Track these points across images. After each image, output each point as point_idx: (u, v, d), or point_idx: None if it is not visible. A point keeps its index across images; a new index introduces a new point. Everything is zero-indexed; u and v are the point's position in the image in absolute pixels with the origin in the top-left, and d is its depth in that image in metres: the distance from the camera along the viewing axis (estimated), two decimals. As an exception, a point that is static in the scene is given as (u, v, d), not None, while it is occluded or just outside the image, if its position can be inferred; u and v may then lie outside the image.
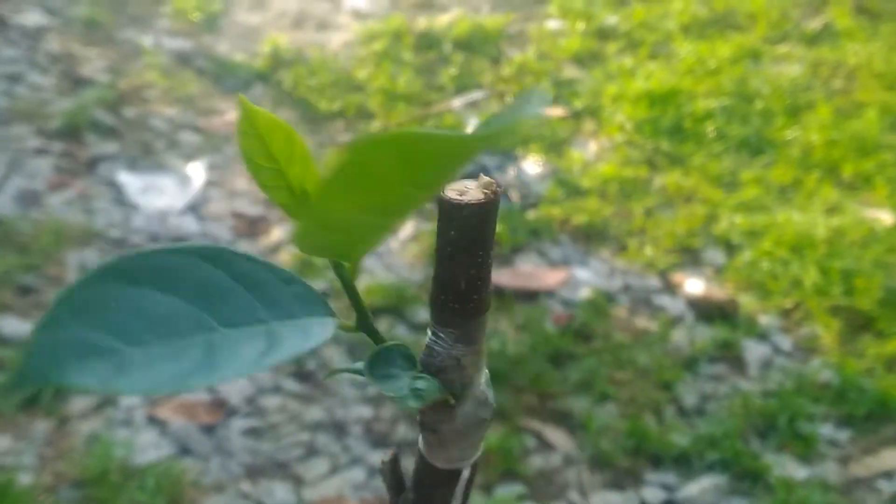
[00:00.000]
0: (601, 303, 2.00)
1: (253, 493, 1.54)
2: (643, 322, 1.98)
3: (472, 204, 0.32)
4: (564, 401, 1.77)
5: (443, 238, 0.33)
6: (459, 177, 0.32)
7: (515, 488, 1.60)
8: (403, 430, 1.69)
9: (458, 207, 0.32)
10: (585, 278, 2.09)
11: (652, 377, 1.83)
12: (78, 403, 1.64)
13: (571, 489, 1.61)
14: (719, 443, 1.69)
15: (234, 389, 1.72)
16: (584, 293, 2.03)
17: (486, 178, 0.33)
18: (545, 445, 1.69)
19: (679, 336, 1.94)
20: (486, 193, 0.33)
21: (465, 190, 0.33)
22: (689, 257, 2.17)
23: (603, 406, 1.76)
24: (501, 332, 1.89)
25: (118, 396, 1.67)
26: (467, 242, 0.33)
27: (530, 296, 2.01)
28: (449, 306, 0.35)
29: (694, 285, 2.07)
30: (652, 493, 1.61)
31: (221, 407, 1.68)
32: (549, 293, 2.03)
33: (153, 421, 1.63)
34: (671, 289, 2.08)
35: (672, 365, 1.86)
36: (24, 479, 1.47)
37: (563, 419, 1.74)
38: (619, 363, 1.86)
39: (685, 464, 1.66)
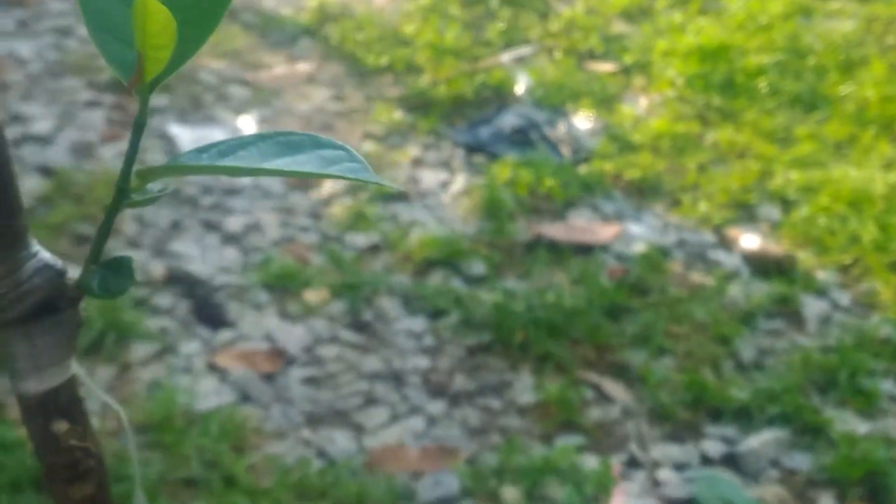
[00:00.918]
0: (656, 257, 1.99)
1: (314, 441, 1.54)
2: (698, 277, 1.97)
3: None
4: (622, 354, 1.76)
5: None
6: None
7: (575, 439, 1.59)
8: (461, 381, 1.68)
9: None
10: (639, 233, 2.07)
11: (709, 331, 1.82)
12: (139, 350, 1.64)
13: (631, 441, 1.61)
14: (779, 397, 1.67)
15: (292, 339, 1.72)
16: (639, 248, 2.02)
17: None
18: (603, 398, 1.68)
19: (735, 291, 1.93)
20: None
21: None
22: (744, 213, 2.15)
23: (660, 359, 1.75)
24: (557, 285, 1.88)
25: (179, 342, 1.67)
26: None
27: (585, 250, 2.00)
28: None
29: (749, 241, 2.05)
30: (712, 445, 1.61)
31: (280, 356, 1.68)
32: (604, 247, 2.01)
33: (213, 369, 1.64)
34: (726, 244, 2.06)
35: (729, 320, 1.85)
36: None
37: (621, 372, 1.73)
38: (675, 317, 1.84)
39: (745, 417, 1.65)
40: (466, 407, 1.64)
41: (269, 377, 1.64)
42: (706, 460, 1.59)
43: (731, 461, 1.59)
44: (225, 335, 1.71)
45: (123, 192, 0.31)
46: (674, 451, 1.60)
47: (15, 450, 1.41)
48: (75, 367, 0.32)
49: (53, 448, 0.32)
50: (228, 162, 0.32)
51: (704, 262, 2.01)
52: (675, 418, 1.65)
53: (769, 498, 1.53)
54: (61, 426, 0.32)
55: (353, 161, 0.34)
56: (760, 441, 1.61)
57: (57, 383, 0.31)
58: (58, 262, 0.31)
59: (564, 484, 1.50)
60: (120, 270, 0.33)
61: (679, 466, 1.58)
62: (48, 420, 0.32)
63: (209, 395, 1.58)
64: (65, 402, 0.32)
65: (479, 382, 1.68)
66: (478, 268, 1.92)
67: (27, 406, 0.31)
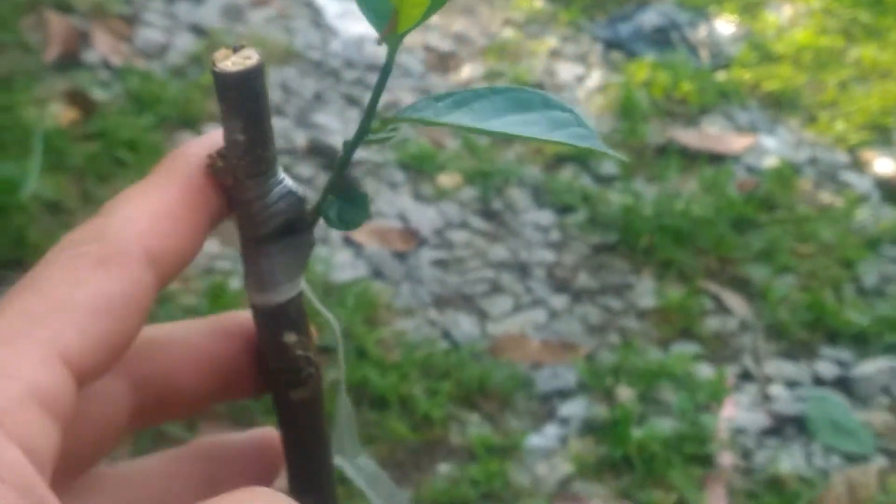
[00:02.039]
0: (787, 173, 1.99)
1: (440, 321, 1.61)
2: (828, 197, 1.96)
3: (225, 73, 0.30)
4: (744, 267, 1.78)
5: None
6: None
7: (691, 347, 1.63)
8: (584, 278, 1.73)
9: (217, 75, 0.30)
10: (772, 147, 2.06)
11: (833, 253, 1.83)
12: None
13: (745, 354, 1.64)
14: (898, 326, 1.69)
15: (425, 220, 1.77)
16: (770, 162, 2.02)
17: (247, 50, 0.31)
18: (723, 309, 1.71)
19: (863, 215, 1.92)
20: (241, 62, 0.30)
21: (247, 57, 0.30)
22: (881, 136, 2.12)
23: (782, 277, 1.77)
24: (686, 192, 1.90)
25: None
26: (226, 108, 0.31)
27: (716, 159, 2.00)
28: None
29: (884, 165, 2.03)
30: (826, 367, 1.63)
31: (412, 236, 1.74)
32: (735, 158, 2.02)
33: (349, 243, 1.70)
34: (859, 166, 2.05)
35: (855, 243, 1.85)
36: (234, 284, 1.56)
37: (742, 285, 1.75)
38: (801, 236, 1.85)
39: (862, 342, 1.67)
40: (588, 304, 1.69)
41: (400, 256, 1.70)
42: (818, 381, 1.62)
43: (843, 384, 1.62)
44: (361, 210, 1.77)
45: (365, 131, 0.34)
46: (787, 368, 1.63)
47: (166, 303, 1.50)
48: (303, 284, 0.35)
49: (282, 356, 0.35)
50: (463, 113, 0.33)
51: (835, 183, 2.00)
52: (792, 336, 1.68)
53: (877, 424, 1.55)
54: (290, 337, 0.35)
55: (581, 126, 0.34)
56: (874, 367, 1.63)
57: (288, 297, 0.34)
58: (299, 189, 0.34)
59: (678, 390, 1.54)
60: (356, 203, 0.35)
61: (791, 384, 1.61)
62: (279, 331, 0.34)
63: (345, 267, 1.65)
64: (294, 314, 0.34)
65: (601, 281, 1.73)
66: (608, 167, 1.95)
67: (261, 317, 0.34)
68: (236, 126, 0.30)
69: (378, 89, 0.33)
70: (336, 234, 1.71)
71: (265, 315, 0.34)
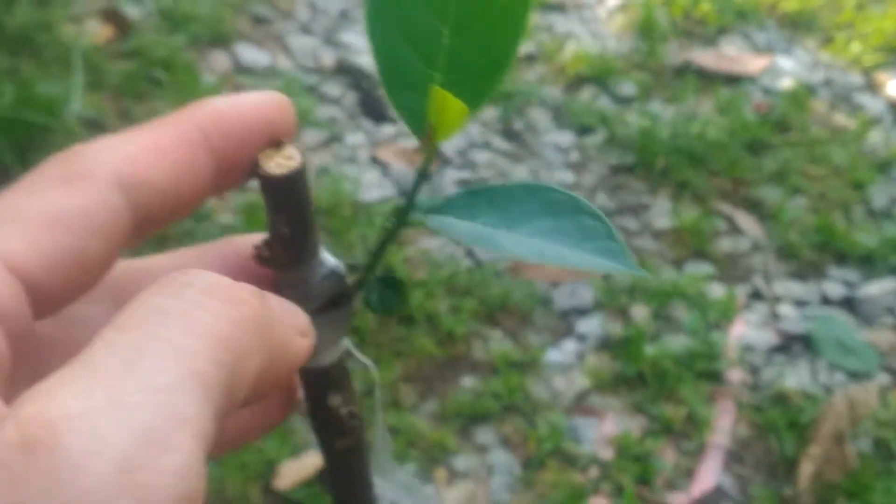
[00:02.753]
0: (801, 94, 2.03)
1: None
2: (841, 119, 2.01)
3: (273, 177, 0.31)
4: (757, 189, 1.84)
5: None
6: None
7: (704, 267, 1.70)
8: (602, 199, 1.79)
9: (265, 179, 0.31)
10: (788, 68, 2.10)
11: (844, 175, 1.88)
12: (311, 136, 1.77)
13: (756, 274, 1.71)
14: (904, 248, 1.75)
15: (448, 141, 1.82)
16: (786, 83, 2.06)
17: (291, 149, 0.32)
18: (735, 230, 1.77)
19: (876, 137, 1.97)
20: (285, 165, 0.31)
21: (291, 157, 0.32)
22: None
23: (794, 198, 1.83)
24: (702, 114, 1.95)
25: (345, 133, 1.80)
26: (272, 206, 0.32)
27: (733, 80, 2.05)
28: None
29: (897, 88, 2.08)
30: (833, 287, 1.70)
31: (436, 156, 1.80)
32: (751, 79, 2.06)
33: (375, 162, 1.76)
34: (873, 88, 2.09)
35: (866, 165, 1.90)
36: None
37: (755, 207, 1.81)
38: (813, 158, 1.91)
39: (869, 264, 1.74)
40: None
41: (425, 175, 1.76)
42: (825, 300, 1.69)
43: (849, 304, 1.69)
44: (387, 130, 1.83)
45: (402, 223, 0.35)
46: (796, 288, 1.70)
47: (204, 219, 1.57)
48: (345, 342, 0.37)
49: (327, 417, 0.37)
50: (498, 218, 0.33)
51: (849, 105, 2.05)
52: (801, 257, 1.74)
53: (881, 343, 1.63)
54: (335, 400, 0.37)
55: (612, 239, 0.33)
56: (880, 288, 1.70)
57: (332, 360, 0.36)
58: (340, 268, 0.35)
59: (690, 308, 1.62)
60: (396, 289, 0.36)
61: (799, 303, 1.68)
62: (324, 393, 0.37)
63: (372, 186, 1.71)
64: (337, 375, 0.37)
65: (618, 202, 1.79)
66: (627, 88, 1.99)
67: (306, 379, 0.37)
68: (281, 220, 0.32)
69: (414, 191, 0.35)
70: (363, 154, 1.77)
71: (311, 377, 0.37)
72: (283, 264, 0.33)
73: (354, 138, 1.79)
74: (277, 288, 0.34)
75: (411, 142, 1.82)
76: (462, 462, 1.39)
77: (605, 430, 1.45)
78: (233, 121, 0.30)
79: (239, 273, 0.34)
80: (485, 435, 1.43)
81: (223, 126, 0.30)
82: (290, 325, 0.29)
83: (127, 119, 1.71)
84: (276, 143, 0.31)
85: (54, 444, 0.21)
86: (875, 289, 1.70)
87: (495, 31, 0.33)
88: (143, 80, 1.78)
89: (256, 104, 0.31)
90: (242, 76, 1.84)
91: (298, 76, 1.89)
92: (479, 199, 0.34)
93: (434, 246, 1.65)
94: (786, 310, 1.67)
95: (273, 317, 0.27)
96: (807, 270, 1.73)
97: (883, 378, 1.57)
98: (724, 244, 1.75)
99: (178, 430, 0.22)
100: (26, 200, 0.27)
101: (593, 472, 1.40)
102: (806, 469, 1.41)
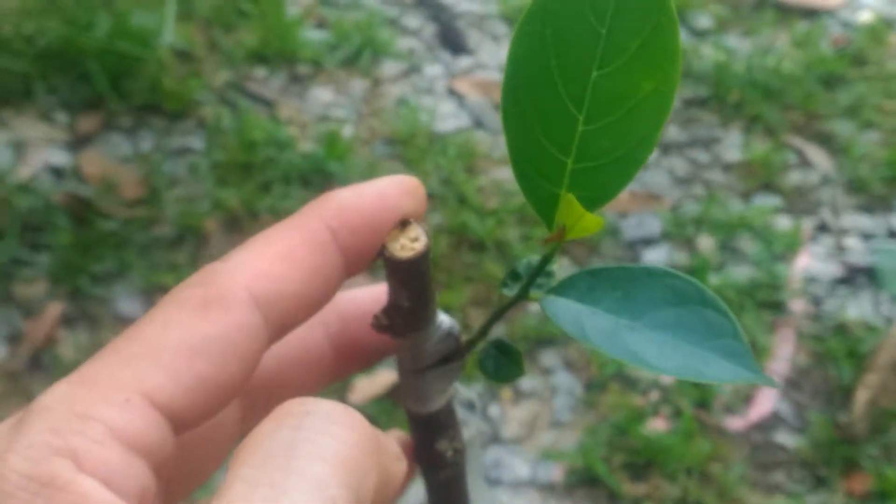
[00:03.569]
0: (880, 29, 2.03)
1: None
2: (920, 54, 2.01)
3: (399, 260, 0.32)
4: (830, 123, 1.86)
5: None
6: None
7: (772, 200, 1.73)
8: (674, 131, 1.82)
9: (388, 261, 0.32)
10: (868, 1, 2.10)
11: (919, 111, 1.89)
12: (389, 68, 1.83)
13: (824, 207, 1.74)
14: (976, 184, 1.76)
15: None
16: (865, 17, 2.06)
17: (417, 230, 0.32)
18: (805, 163, 1.80)
19: (954, 72, 1.97)
20: (412, 248, 0.32)
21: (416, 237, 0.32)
22: (980, -9, 2.14)
23: (866, 133, 1.84)
24: (778, 48, 1.96)
25: (423, 64, 1.85)
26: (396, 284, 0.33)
27: (811, 13, 2.05)
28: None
29: (980, 22, 2.06)
30: (901, 222, 1.73)
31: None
32: (829, 13, 2.06)
33: (452, 93, 1.82)
34: (955, 22, 2.08)
35: (942, 101, 1.91)
36: (347, 132, 1.70)
37: (826, 140, 1.83)
38: (888, 92, 1.91)
39: (938, 199, 1.75)
40: (676, 157, 1.79)
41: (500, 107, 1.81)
42: (892, 234, 1.71)
43: (916, 239, 1.71)
44: (464, 62, 1.88)
45: (524, 297, 0.35)
46: (863, 221, 1.72)
47: (286, 148, 1.65)
48: (453, 389, 0.38)
49: (433, 456, 0.39)
50: (619, 303, 0.32)
51: (929, 39, 2.04)
52: (871, 191, 1.76)
53: (945, 277, 1.65)
54: (443, 445, 0.38)
55: (736, 339, 0.31)
56: (948, 223, 1.72)
57: (439, 407, 0.38)
58: (455, 329, 0.36)
59: (756, 240, 1.66)
60: (512, 358, 0.37)
61: (866, 236, 1.71)
62: (432, 437, 0.38)
63: (448, 117, 1.77)
64: (444, 419, 0.38)
65: (690, 135, 1.82)
66: (704, 21, 2.01)
67: (416, 422, 0.38)
68: (403, 296, 0.33)
69: (539, 270, 0.34)
70: (440, 85, 1.83)
71: (419, 421, 0.39)
72: (400, 333, 0.34)
73: (432, 70, 1.85)
74: (393, 349, 0.36)
75: (488, 73, 1.87)
76: (527, 383, 1.47)
77: (667, 356, 1.51)
78: (360, 214, 0.31)
79: (358, 328, 0.36)
80: (549, 358, 1.49)
81: (351, 222, 0.31)
82: (391, 449, 0.30)
83: (215, 50, 1.78)
84: (402, 223, 0.32)
85: None
86: (943, 223, 1.71)
87: (633, 119, 0.32)
88: (232, 12, 1.85)
89: (382, 193, 0.31)
90: (326, 8, 1.90)
91: (380, 8, 1.95)
92: (599, 280, 0.33)
93: (506, 176, 1.71)
94: (851, 242, 1.69)
95: (381, 438, 0.28)
96: (875, 204, 1.75)
97: (945, 311, 1.60)
98: (794, 177, 1.77)
99: None
100: (164, 331, 0.27)
101: (653, 395, 1.46)
102: (862, 396, 1.46)
